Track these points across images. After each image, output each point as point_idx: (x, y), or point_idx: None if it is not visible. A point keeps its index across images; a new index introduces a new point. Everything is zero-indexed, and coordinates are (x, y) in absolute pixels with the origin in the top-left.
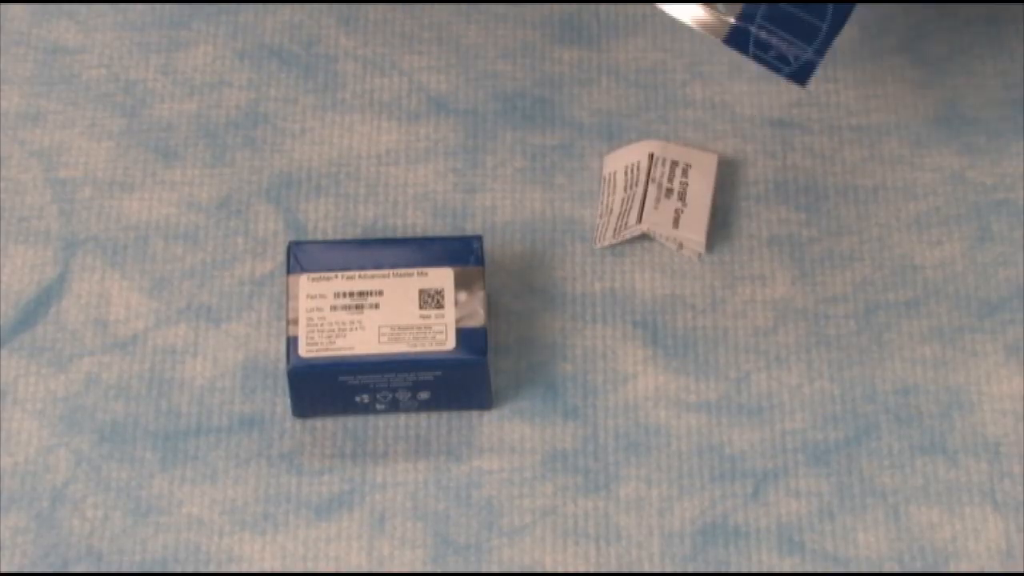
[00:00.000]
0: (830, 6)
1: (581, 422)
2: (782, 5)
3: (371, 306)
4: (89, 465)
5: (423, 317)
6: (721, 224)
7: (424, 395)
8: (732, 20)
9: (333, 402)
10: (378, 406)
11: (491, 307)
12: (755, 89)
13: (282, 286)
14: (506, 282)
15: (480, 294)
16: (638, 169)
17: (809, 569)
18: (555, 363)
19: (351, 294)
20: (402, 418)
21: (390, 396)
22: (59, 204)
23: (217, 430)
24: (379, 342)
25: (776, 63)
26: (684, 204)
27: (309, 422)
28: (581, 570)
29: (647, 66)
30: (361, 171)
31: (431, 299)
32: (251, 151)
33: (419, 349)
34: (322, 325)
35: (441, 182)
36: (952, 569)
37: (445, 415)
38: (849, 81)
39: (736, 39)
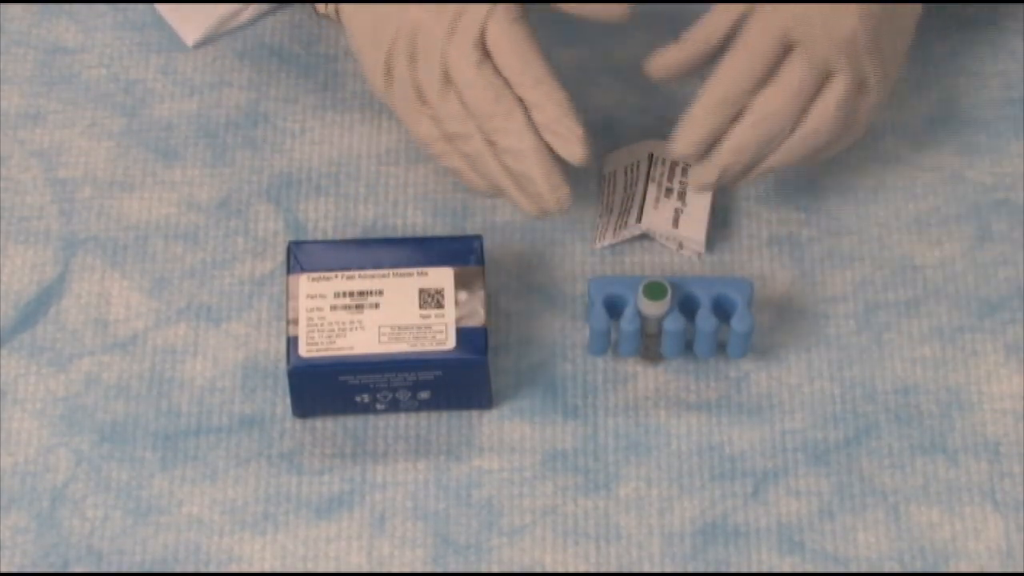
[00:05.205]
0: None
1: (581, 422)
2: None
3: (371, 306)
4: (89, 465)
5: (423, 317)
6: (721, 224)
7: (424, 395)
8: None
9: (333, 402)
10: (378, 406)
11: (491, 307)
12: None
13: (282, 286)
14: (506, 282)
15: (480, 294)
16: (638, 169)
17: (809, 569)
18: (555, 363)
19: (351, 294)
20: (402, 418)
21: (390, 396)
22: (59, 204)
23: (217, 430)
24: (379, 342)
25: None
26: (684, 204)
27: (309, 422)
28: (581, 570)
29: None
30: (361, 171)
31: (431, 299)
32: (251, 151)
33: (419, 349)
34: (322, 325)
35: (441, 182)
36: (952, 569)
37: (445, 415)
38: None
39: None
